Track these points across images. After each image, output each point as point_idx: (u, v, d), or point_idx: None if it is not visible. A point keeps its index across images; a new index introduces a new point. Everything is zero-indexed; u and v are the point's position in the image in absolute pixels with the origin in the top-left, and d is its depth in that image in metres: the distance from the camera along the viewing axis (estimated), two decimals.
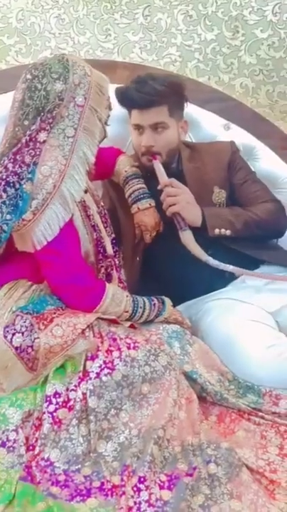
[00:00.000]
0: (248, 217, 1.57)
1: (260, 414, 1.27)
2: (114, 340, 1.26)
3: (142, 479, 1.08)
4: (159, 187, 1.53)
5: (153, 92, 1.51)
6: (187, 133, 1.68)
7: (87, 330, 1.26)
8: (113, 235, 1.46)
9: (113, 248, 1.44)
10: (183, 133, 1.65)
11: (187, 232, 1.50)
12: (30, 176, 1.22)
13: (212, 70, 1.94)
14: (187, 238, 1.50)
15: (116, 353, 1.23)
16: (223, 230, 1.53)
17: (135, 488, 1.08)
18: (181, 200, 1.50)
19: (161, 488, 1.09)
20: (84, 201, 1.35)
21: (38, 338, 1.21)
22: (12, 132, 1.25)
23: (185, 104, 1.61)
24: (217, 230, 1.53)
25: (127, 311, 1.34)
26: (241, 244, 1.56)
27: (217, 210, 1.57)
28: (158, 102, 1.52)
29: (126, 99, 1.55)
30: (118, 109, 1.65)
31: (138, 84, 1.53)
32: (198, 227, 1.52)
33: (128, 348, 1.25)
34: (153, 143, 1.56)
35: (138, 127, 1.57)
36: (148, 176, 1.63)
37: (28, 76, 1.25)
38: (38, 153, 1.23)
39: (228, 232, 1.53)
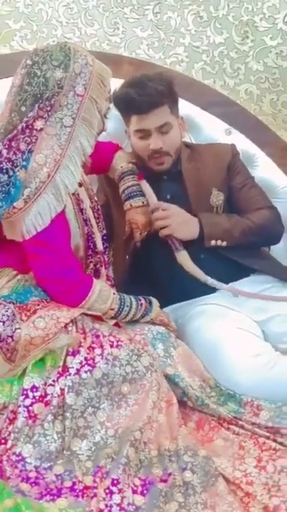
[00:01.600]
0: (245, 225, 1.56)
1: (240, 423, 1.25)
2: (97, 337, 1.24)
3: (115, 481, 1.06)
4: (150, 209, 1.51)
5: (155, 93, 1.49)
6: (185, 130, 1.66)
7: (70, 324, 1.24)
8: (104, 231, 1.44)
9: (103, 244, 1.42)
10: (183, 131, 1.64)
11: (183, 253, 1.49)
12: (24, 163, 1.19)
13: (218, 73, 1.93)
14: (184, 259, 1.49)
15: (98, 351, 1.21)
16: (219, 242, 1.52)
17: (107, 491, 1.05)
18: (171, 222, 1.49)
19: (134, 492, 1.06)
20: (77, 194, 1.33)
21: (19, 328, 1.18)
22: (8, 118, 1.22)
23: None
24: (213, 242, 1.52)
25: (113, 309, 1.32)
26: (234, 252, 1.54)
27: (215, 219, 1.56)
28: (160, 102, 1.51)
29: (127, 104, 1.52)
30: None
31: (137, 88, 1.50)
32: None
33: (111, 346, 1.23)
34: (161, 145, 1.54)
35: (143, 132, 1.54)
36: (144, 173, 1.61)
37: (28, 62, 1.22)
38: (33, 140, 1.20)
39: (224, 244, 1.52)
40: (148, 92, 1.48)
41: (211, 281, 1.46)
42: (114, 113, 1.55)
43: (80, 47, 1.29)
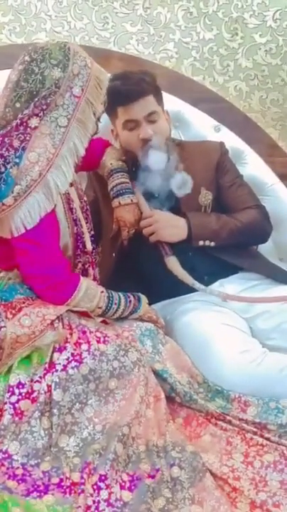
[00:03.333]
0: (233, 225, 1.56)
1: (228, 418, 1.26)
2: (84, 333, 1.24)
3: (103, 477, 1.06)
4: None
5: (139, 82, 1.51)
6: (170, 124, 1.66)
7: (57, 321, 1.23)
8: (92, 232, 1.43)
9: (91, 245, 1.42)
10: (169, 123, 1.63)
11: (172, 258, 1.49)
12: (17, 160, 1.19)
13: (207, 70, 1.93)
14: (173, 264, 1.49)
15: (84, 346, 1.21)
16: (207, 242, 1.52)
17: (95, 487, 1.05)
18: (156, 228, 1.49)
19: (122, 488, 1.06)
20: (68, 194, 1.32)
21: (5, 327, 1.18)
22: (2, 113, 1.22)
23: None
24: (201, 242, 1.52)
25: (100, 307, 1.32)
26: (222, 251, 1.55)
27: (203, 219, 1.55)
28: (145, 91, 1.52)
29: (112, 96, 1.49)
30: None
31: (121, 80, 1.52)
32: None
33: (98, 341, 1.23)
34: (152, 133, 1.53)
35: (131, 122, 1.54)
36: (133, 171, 1.60)
37: (27, 58, 1.22)
38: (27, 138, 1.19)
39: (212, 244, 1.53)
40: (132, 82, 1.51)
41: (198, 285, 1.46)
42: None
43: (79, 48, 1.28)
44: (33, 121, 1.19)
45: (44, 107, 1.20)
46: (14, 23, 1.86)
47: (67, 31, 1.87)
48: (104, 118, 1.60)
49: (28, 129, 1.19)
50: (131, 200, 1.51)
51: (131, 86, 1.51)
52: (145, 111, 1.53)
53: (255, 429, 1.23)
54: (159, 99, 1.58)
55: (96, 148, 1.58)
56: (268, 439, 1.22)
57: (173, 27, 1.89)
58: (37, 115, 1.20)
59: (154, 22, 1.89)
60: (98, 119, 1.30)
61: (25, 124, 1.19)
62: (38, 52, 1.21)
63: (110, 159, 1.56)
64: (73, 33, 1.88)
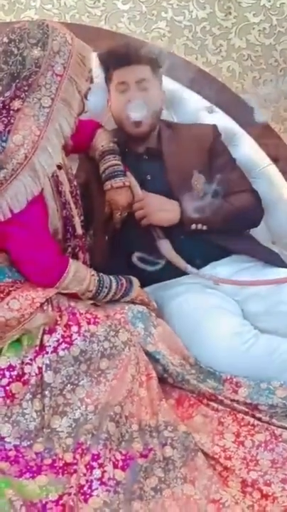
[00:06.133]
0: (226, 209, 1.55)
1: (219, 398, 1.27)
2: (74, 314, 1.24)
3: (95, 457, 1.06)
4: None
5: (137, 49, 1.54)
6: (164, 103, 1.66)
7: (46, 304, 1.23)
8: (82, 217, 1.42)
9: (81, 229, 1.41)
10: (162, 103, 1.63)
11: (164, 241, 1.49)
12: (4, 144, 1.17)
13: (200, 49, 1.91)
14: (165, 248, 1.49)
15: (74, 328, 1.21)
16: (200, 226, 1.52)
17: (88, 466, 1.06)
18: (147, 212, 1.49)
19: (115, 466, 1.07)
20: (57, 176, 1.30)
21: None
22: None
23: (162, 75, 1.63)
24: (193, 226, 1.52)
25: (91, 291, 1.31)
26: (214, 234, 1.54)
27: (196, 203, 1.54)
28: (141, 59, 1.53)
29: (109, 57, 1.56)
30: (98, 78, 1.60)
31: (120, 45, 1.58)
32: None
33: (88, 323, 1.23)
34: (139, 98, 1.53)
35: (122, 85, 1.55)
36: (126, 151, 1.58)
37: (5, 39, 1.19)
38: (12, 121, 1.18)
39: (204, 228, 1.52)
40: (130, 47, 1.55)
41: (191, 269, 1.46)
42: (94, 85, 1.53)
43: (58, 24, 1.26)
44: (16, 104, 1.18)
45: (26, 88, 1.18)
46: (3, 1, 1.82)
47: (57, 9, 1.84)
48: (96, 96, 1.59)
49: (11, 111, 1.18)
50: (124, 183, 1.50)
51: (128, 50, 1.54)
52: (137, 76, 1.53)
53: (246, 410, 1.25)
54: (155, 73, 1.58)
55: (87, 129, 1.56)
56: (259, 419, 1.23)
57: (165, 5, 1.86)
58: (19, 97, 1.18)
59: (146, 0, 1.85)
60: (85, 96, 1.28)
61: (7, 106, 1.18)
62: (15, 33, 1.19)
63: (101, 141, 1.54)
64: (63, 10, 1.84)
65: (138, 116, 1.52)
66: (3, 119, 1.18)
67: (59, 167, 1.28)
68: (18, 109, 1.18)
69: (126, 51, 1.54)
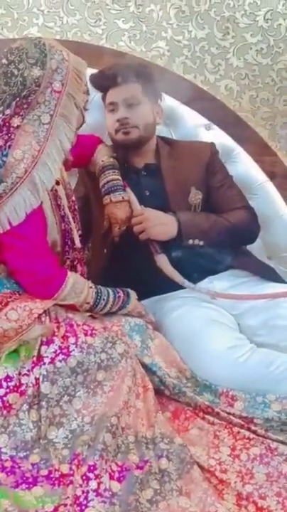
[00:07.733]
0: (222, 225, 1.57)
1: (216, 410, 1.27)
2: (71, 326, 1.25)
3: (92, 468, 1.06)
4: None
5: (126, 68, 1.57)
6: (161, 118, 1.68)
7: (44, 315, 1.24)
8: (80, 232, 1.44)
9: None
10: (159, 118, 1.66)
11: (161, 256, 1.50)
12: (4, 159, 1.19)
13: (199, 68, 1.94)
14: (162, 262, 1.50)
15: (72, 339, 1.22)
16: (197, 241, 1.54)
17: (84, 477, 1.05)
18: (145, 226, 1.51)
19: (111, 478, 1.06)
20: (55, 190, 1.32)
21: None
22: None
23: (160, 93, 1.65)
24: (190, 241, 1.53)
25: (88, 303, 1.32)
26: (211, 249, 1.56)
27: (193, 218, 1.57)
28: (131, 78, 1.56)
29: (100, 79, 1.59)
30: (98, 96, 1.64)
31: (109, 66, 1.60)
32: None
33: (86, 334, 1.24)
34: (127, 115, 1.56)
35: (112, 105, 1.58)
36: (125, 166, 1.61)
37: (4, 61, 1.22)
38: (12, 137, 1.20)
39: (201, 243, 1.54)
40: (119, 68, 1.58)
41: (187, 283, 1.48)
42: (95, 103, 1.56)
43: (54, 41, 1.28)
44: (16, 121, 1.20)
45: (25, 106, 1.20)
46: (6, 18, 1.86)
47: (59, 27, 1.87)
48: (96, 111, 1.62)
49: (12, 128, 1.20)
50: (123, 198, 1.52)
51: (118, 70, 1.56)
52: (124, 95, 1.57)
53: (242, 423, 1.25)
54: (148, 92, 1.60)
55: (88, 144, 1.58)
56: (254, 432, 1.23)
57: (165, 25, 1.90)
58: (18, 114, 1.20)
59: (146, 19, 1.89)
60: (84, 108, 1.30)
61: (7, 124, 1.20)
62: (14, 54, 1.22)
63: (102, 156, 1.57)
64: (65, 28, 1.87)
65: None
66: (4, 135, 1.20)
67: (57, 182, 1.30)
68: (18, 126, 1.20)
69: (113, 73, 1.56)
